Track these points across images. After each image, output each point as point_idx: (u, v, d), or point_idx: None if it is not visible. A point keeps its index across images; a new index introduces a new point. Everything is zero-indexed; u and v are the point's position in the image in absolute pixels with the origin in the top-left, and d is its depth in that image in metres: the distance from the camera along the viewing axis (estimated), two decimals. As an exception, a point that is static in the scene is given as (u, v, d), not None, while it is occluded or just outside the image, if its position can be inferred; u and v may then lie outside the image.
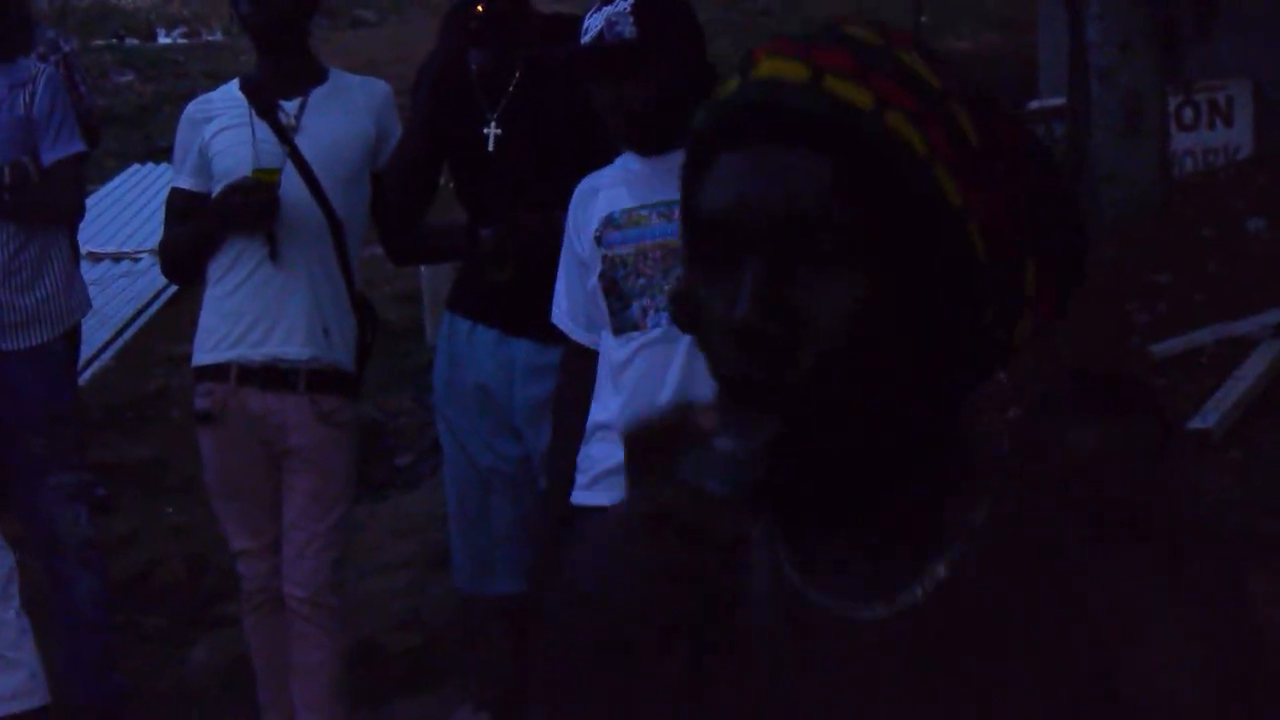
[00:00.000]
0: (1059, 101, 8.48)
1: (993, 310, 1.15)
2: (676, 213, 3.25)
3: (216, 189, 4.25)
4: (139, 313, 8.84)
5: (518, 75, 4.06)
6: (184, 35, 16.62)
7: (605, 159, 3.48)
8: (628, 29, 3.26)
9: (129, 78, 13.91)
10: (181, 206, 4.36)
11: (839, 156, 1.11)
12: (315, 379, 4.25)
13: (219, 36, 16.00)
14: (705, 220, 1.15)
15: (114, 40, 15.50)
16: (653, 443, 1.09)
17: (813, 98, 1.12)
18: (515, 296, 3.95)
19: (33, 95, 4.77)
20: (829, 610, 1.18)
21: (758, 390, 1.12)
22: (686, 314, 1.21)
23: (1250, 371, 5.07)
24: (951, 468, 1.17)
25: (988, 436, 1.20)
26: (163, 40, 16.32)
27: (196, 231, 4.28)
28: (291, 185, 4.19)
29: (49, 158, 4.76)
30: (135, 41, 15.72)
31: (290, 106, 4.29)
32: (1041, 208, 1.18)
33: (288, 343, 4.23)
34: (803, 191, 1.11)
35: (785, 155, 1.12)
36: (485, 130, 4.05)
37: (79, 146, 4.88)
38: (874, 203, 1.11)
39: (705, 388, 3.75)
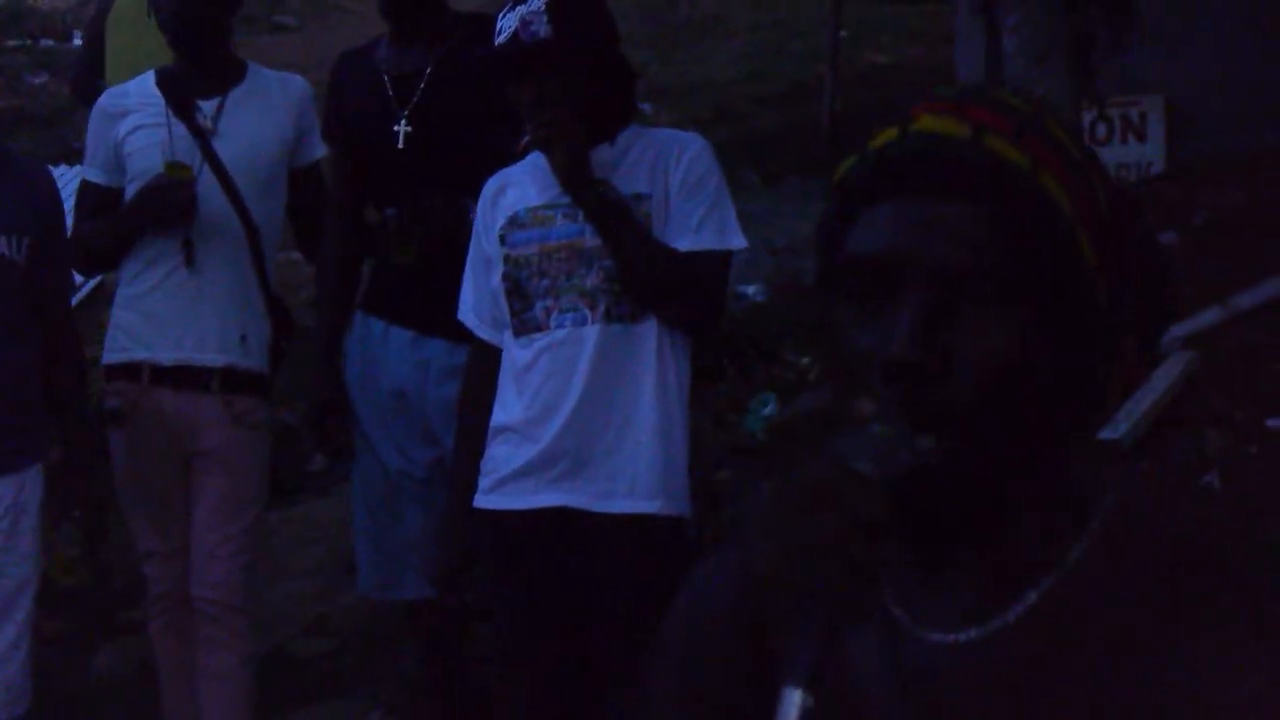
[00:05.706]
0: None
1: (1103, 365, 1.25)
2: (582, 214, 3.26)
3: (131, 188, 4.20)
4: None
5: (429, 73, 4.04)
6: (100, 37, 16.44)
7: (516, 158, 3.45)
8: (542, 28, 3.24)
9: (43, 79, 13.75)
10: (93, 201, 4.31)
11: (995, 210, 1.20)
12: (229, 380, 4.21)
13: (135, 39, 15.83)
14: (865, 260, 1.23)
15: (28, 41, 15.31)
16: (804, 429, 1.15)
17: (975, 153, 1.21)
18: (428, 296, 3.92)
19: None
20: (927, 639, 1.26)
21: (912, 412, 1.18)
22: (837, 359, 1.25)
23: (1159, 383, 5.11)
24: (1056, 508, 1.26)
25: (1095, 483, 1.28)
26: (78, 42, 16.13)
27: (113, 229, 4.23)
28: (208, 191, 4.15)
29: None
30: (50, 43, 15.54)
31: (208, 107, 4.24)
32: (1144, 288, 1.29)
33: (202, 349, 4.19)
34: (962, 241, 1.20)
35: (946, 206, 1.20)
36: (395, 127, 4.03)
37: None
38: (1023, 254, 1.20)
39: (611, 389, 3.70)
